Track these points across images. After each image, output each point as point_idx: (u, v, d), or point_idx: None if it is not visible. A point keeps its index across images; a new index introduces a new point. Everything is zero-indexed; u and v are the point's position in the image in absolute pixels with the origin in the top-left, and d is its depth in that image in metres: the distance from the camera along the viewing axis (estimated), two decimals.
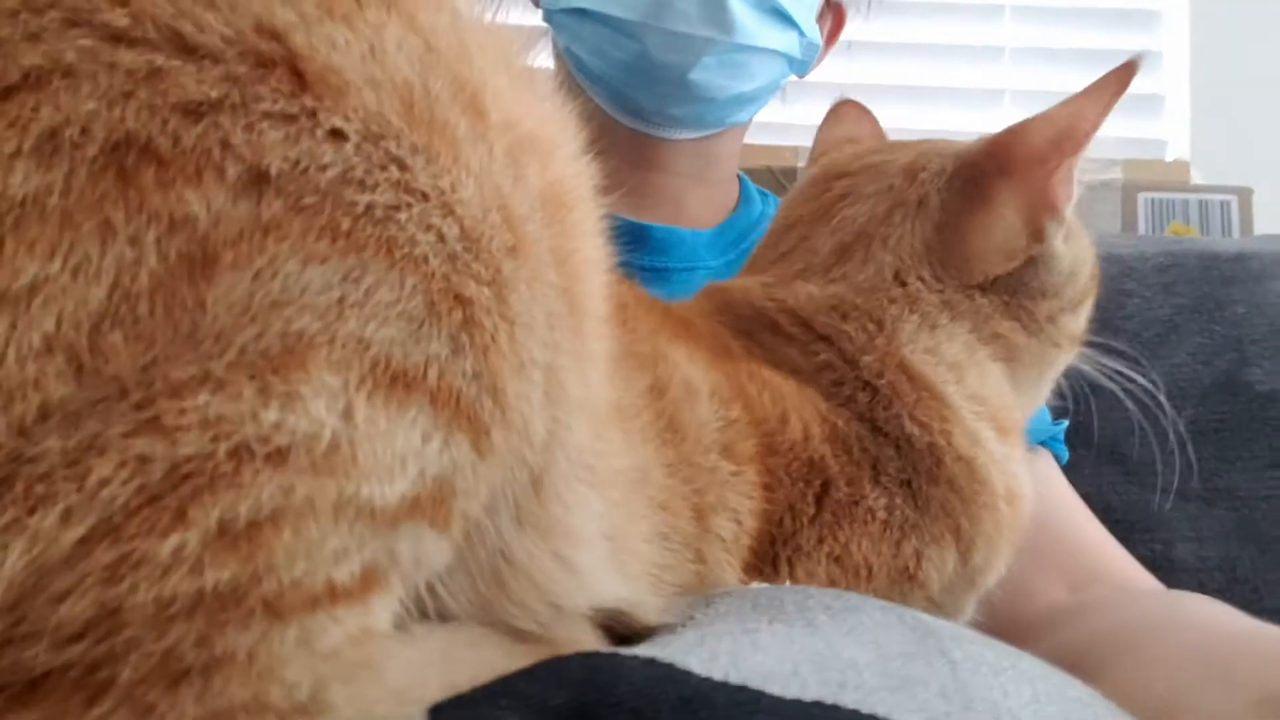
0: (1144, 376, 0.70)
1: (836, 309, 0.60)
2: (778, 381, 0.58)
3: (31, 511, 0.27)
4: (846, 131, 0.80)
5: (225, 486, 0.28)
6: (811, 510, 0.55)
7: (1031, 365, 0.65)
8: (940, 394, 0.58)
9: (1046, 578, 0.79)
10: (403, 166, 0.32)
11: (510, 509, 0.38)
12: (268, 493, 0.29)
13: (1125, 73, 0.57)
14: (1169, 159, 1.79)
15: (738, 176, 1.15)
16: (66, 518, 0.27)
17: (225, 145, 0.29)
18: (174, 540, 0.28)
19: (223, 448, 0.28)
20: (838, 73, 1.16)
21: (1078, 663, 0.47)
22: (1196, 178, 1.60)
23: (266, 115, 0.30)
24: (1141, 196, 1.48)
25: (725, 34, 0.91)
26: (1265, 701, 0.42)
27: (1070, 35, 1.89)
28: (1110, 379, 0.69)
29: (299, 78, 0.31)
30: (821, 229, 0.64)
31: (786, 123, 1.28)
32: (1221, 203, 1.52)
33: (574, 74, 1.02)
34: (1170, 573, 0.96)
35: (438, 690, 0.35)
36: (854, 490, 0.55)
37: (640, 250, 1.03)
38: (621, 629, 0.45)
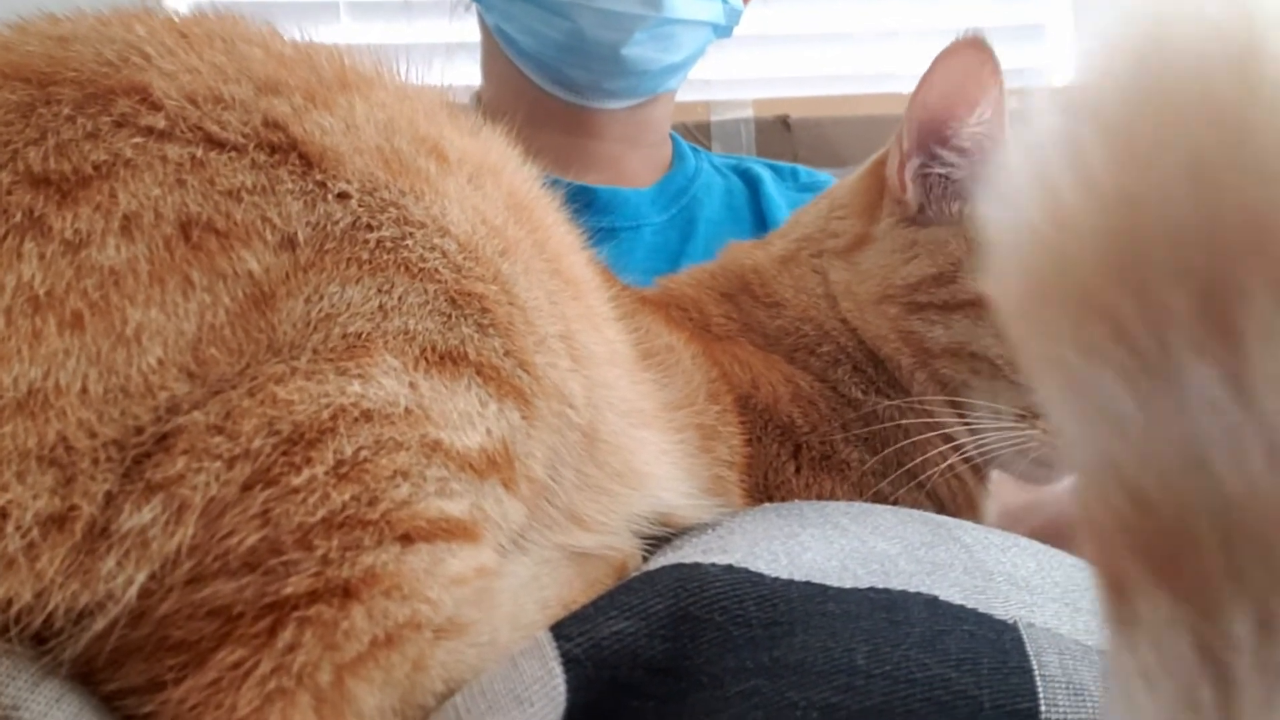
0: None
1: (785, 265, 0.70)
2: (745, 354, 0.65)
3: (200, 459, 0.34)
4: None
5: (334, 435, 0.36)
6: (792, 467, 0.62)
7: None
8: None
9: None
10: (398, 206, 0.41)
11: (571, 465, 0.44)
12: (365, 437, 0.36)
13: None
14: (1057, 84, 1.87)
15: (670, 136, 1.20)
16: (231, 464, 0.35)
17: (264, 219, 0.38)
18: (306, 474, 0.35)
19: (325, 412, 0.36)
20: (749, 24, 1.19)
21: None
22: None
23: (289, 192, 0.39)
24: None
25: (655, 10, 0.94)
26: None
27: None
28: None
29: (305, 159, 0.40)
30: None
31: (701, 79, 1.31)
32: None
33: (504, 51, 1.05)
34: None
35: (535, 609, 0.42)
36: (826, 446, 0.62)
37: (587, 211, 1.07)
38: (658, 531, 0.51)
